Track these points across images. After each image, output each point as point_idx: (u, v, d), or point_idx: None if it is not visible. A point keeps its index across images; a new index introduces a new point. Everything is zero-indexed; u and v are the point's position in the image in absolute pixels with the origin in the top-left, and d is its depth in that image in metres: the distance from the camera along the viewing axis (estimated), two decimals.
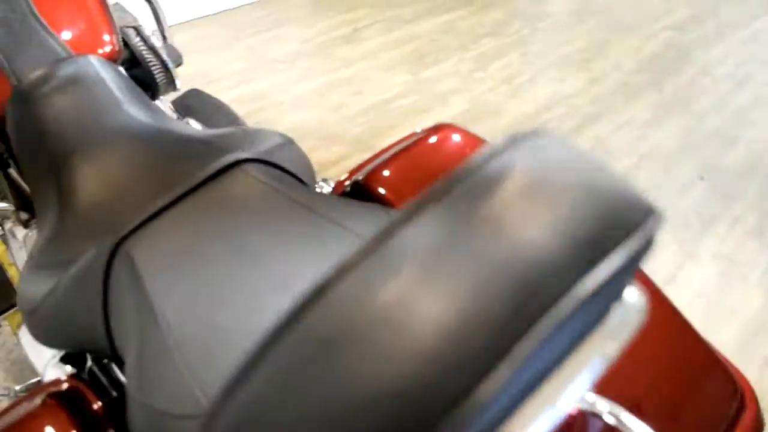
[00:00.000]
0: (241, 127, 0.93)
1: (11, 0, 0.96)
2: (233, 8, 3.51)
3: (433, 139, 0.88)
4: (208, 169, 0.72)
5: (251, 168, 0.74)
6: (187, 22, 3.37)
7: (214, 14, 3.47)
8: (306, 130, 2.45)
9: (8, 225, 1.23)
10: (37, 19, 0.97)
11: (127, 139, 0.86)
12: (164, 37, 1.56)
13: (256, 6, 3.56)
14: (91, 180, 0.82)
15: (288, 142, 0.86)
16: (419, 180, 0.81)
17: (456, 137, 0.88)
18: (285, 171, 0.77)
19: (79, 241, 0.73)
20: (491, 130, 2.44)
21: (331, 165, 2.23)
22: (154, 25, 1.52)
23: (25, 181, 1.07)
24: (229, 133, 0.86)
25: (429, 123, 2.37)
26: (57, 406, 0.60)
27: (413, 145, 0.88)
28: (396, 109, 2.57)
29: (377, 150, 0.89)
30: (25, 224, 1.19)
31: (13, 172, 1.17)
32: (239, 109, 2.42)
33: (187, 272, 0.62)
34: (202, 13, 3.41)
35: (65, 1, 1.09)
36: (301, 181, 0.78)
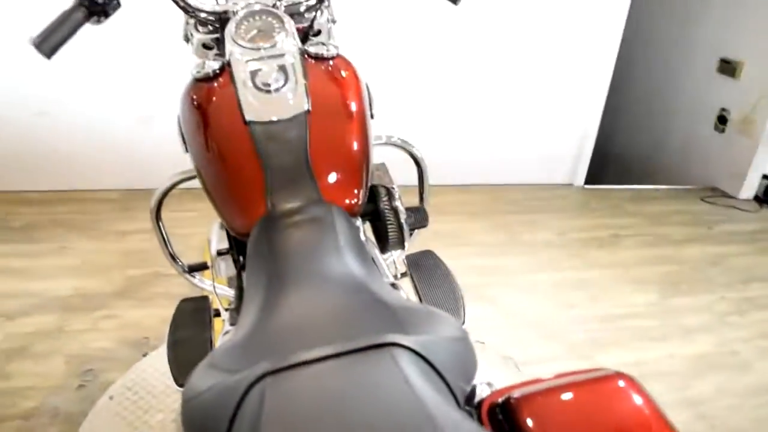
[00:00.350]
0: (428, 308, 0.96)
1: (290, 136, 1.14)
2: (503, 185, 3.69)
3: (604, 386, 0.82)
4: (360, 341, 0.75)
5: (399, 354, 0.75)
6: (462, 186, 3.60)
7: (488, 185, 3.67)
8: (526, 318, 2.41)
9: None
10: (306, 160, 1.14)
11: (326, 284, 0.94)
12: (421, 199, 1.71)
13: (525, 189, 3.69)
14: (279, 308, 0.91)
15: (460, 338, 0.87)
16: (569, 426, 0.75)
17: (629, 394, 0.80)
18: (432, 367, 0.77)
19: (244, 358, 0.81)
20: (727, 387, 2.15)
21: (537, 362, 2.15)
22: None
23: (244, 291, 1.22)
24: (409, 308, 0.89)
25: (661, 353, 2.19)
26: None
27: (581, 385, 0.82)
28: (629, 327, 2.41)
29: (592, 362, 0.84)
30: (232, 323, 1.34)
31: (243, 279, 1.34)
32: (470, 276, 2.49)
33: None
34: (475, 181, 3.63)
35: (335, 150, 1.25)
36: (444, 381, 0.78)
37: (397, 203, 1.53)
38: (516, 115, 3.50)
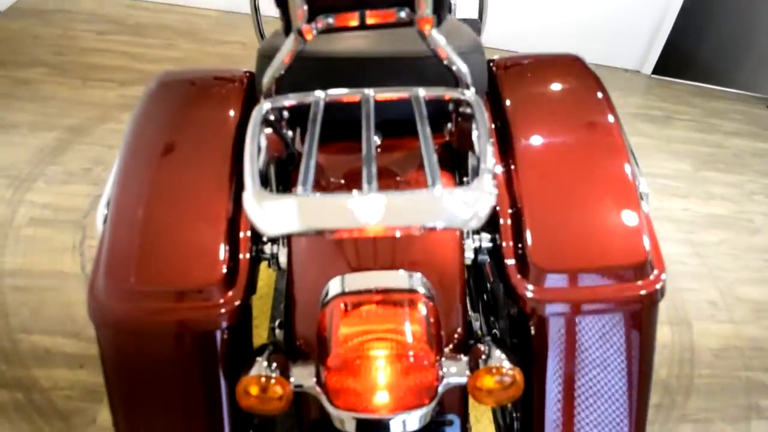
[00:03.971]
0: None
1: None
2: None
3: (559, 61, 1.07)
4: None
5: None
6: None
7: None
8: None
9: None
10: None
11: None
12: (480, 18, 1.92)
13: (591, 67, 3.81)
14: None
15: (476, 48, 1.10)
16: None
17: (579, 69, 1.05)
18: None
19: None
20: (730, 240, 2.38)
21: None
22: None
23: None
24: None
25: (678, 206, 2.39)
26: None
27: (540, 59, 1.07)
28: (653, 183, 2.64)
29: None
30: None
31: None
32: None
33: None
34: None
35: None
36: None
37: None
38: None
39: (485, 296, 1.22)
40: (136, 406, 0.82)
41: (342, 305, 0.73)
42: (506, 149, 0.92)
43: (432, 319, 0.73)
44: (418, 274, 0.76)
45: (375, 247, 0.81)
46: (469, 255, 0.88)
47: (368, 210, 0.56)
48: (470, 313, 1.14)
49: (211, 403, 0.81)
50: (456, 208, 0.57)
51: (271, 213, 0.57)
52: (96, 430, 1.49)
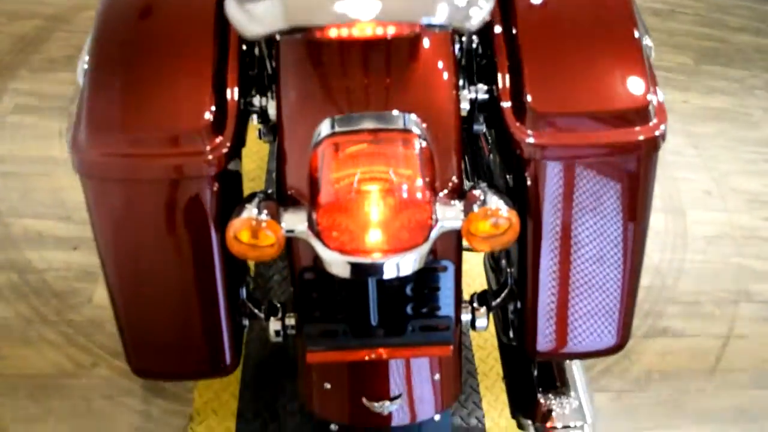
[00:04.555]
0: None
1: None
2: None
3: None
4: None
5: None
6: None
7: None
8: None
9: None
10: None
11: None
12: None
13: None
14: None
15: None
16: None
17: None
18: None
19: None
20: (727, 133, 2.37)
21: None
22: None
23: None
24: None
25: (676, 98, 2.34)
26: None
27: None
28: None
29: None
30: None
31: None
32: None
33: None
34: None
35: None
36: None
37: None
38: None
39: (480, 172, 1.20)
40: (126, 258, 0.81)
41: (333, 145, 0.70)
42: (506, 3, 0.87)
43: (426, 159, 0.70)
44: (413, 115, 0.74)
45: (368, 90, 0.77)
46: (465, 106, 0.85)
47: (360, 4, 0.52)
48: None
49: (203, 254, 0.80)
50: (456, 3, 0.53)
51: (254, 12, 0.53)
52: (92, 308, 1.50)
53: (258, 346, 1.36)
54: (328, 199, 0.68)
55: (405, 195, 0.67)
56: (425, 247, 0.71)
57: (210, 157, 0.75)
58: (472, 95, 0.85)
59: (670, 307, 1.71)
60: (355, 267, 0.71)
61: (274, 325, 0.88)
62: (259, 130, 1.19)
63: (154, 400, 1.37)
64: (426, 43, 0.77)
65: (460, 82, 0.86)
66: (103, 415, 1.34)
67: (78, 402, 1.36)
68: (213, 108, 0.76)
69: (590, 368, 1.52)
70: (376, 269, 0.71)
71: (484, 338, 1.49)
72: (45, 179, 1.77)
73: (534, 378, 0.97)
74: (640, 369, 1.56)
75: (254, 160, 1.75)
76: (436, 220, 0.71)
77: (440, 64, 0.79)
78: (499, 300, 0.88)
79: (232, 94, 0.81)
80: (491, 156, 1.11)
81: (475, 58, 0.92)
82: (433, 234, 0.71)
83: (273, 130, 1.19)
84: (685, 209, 2.00)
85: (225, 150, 0.76)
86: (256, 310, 0.90)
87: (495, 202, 0.71)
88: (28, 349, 1.43)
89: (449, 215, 0.73)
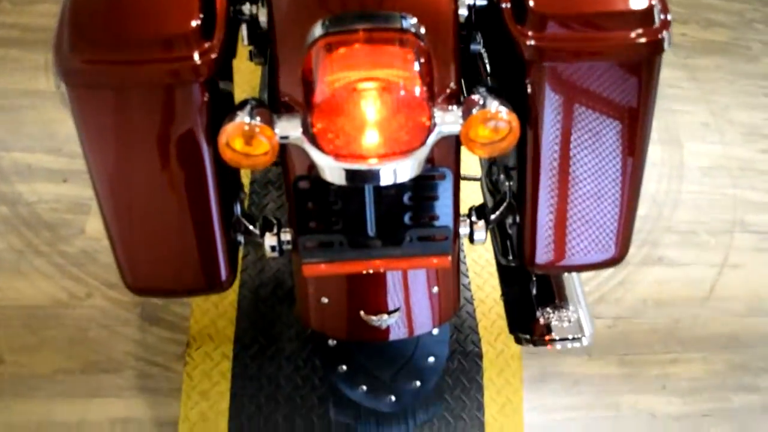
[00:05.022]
0: None
1: None
2: None
3: None
4: None
5: None
6: None
7: None
8: None
9: None
10: None
11: None
12: None
13: None
14: None
15: None
16: None
17: None
18: None
19: None
20: (725, 67, 2.33)
21: None
22: None
23: None
24: None
25: (675, 31, 2.29)
26: None
27: None
28: None
29: None
30: None
31: None
32: None
33: None
34: None
35: None
36: None
37: None
38: None
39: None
40: (115, 172, 0.79)
41: (327, 46, 0.68)
42: None
43: (423, 60, 0.68)
44: (409, 16, 0.71)
45: None
46: (463, 12, 0.82)
47: None
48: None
49: (194, 166, 0.78)
50: None
51: None
52: (85, 239, 1.49)
53: (254, 273, 1.35)
54: (323, 99, 0.66)
55: (403, 95, 0.65)
56: (423, 151, 0.69)
57: (198, 62, 0.72)
58: (471, 0, 0.82)
59: (666, 236, 1.71)
60: (350, 173, 0.70)
61: (269, 240, 0.86)
62: (250, 52, 1.15)
63: (150, 328, 1.37)
64: None
65: None
66: (100, 344, 1.35)
67: (74, 332, 1.36)
68: (201, 14, 0.73)
69: (586, 296, 1.53)
70: (372, 174, 0.69)
71: (480, 265, 1.49)
72: (33, 112, 1.72)
73: (533, 294, 0.97)
74: (635, 297, 1.57)
75: (246, 90, 1.71)
76: (435, 124, 0.69)
77: None
78: (497, 214, 0.86)
79: (221, 3, 0.78)
80: (488, 79, 1.08)
81: None
82: (431, 138, 0.69)
83: (264, 51, 1.15)
84: (683, 141, 1.98)
85: (214, 56, 0.73)
86: (251, 227, 0.89)
87: (495, 106, 0.69)
88: (21, 281, 1.42)
89: (448, 119, 0.70)
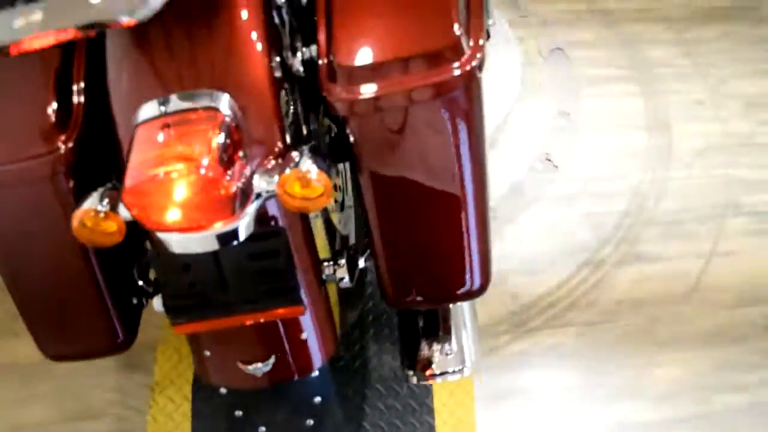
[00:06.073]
0: None
1: None
2: None
3: None
4: None
5: None
6: None
7: None
8: None
9: None
10: None
11: None
12: None
13: None
14: None
15: None
16: None
17: None
18: None
19: None
20: (730, 33, 2.17)
21: None
22: None
23: None
24: None
25: None
26: None
27: None
28: None
29: None
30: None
31: None
32: None
33: None
34: None
35: None
36: None
37: None
38: None
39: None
40: (9, 252, 0.86)
41: (140, 133, 0.72)
42: None
43: (231, 134, 0.70)
44: (217, 92, 0.73)
45: (178, 72, 0.77)
46: (299, 68, 0.84)
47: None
48: None
49: (72, 245, 0.82)
50: None
51: None
52: None
53: None
54: (131, 183, 0.69)
55: (195, 177, 0.68)
56: (241, 220, 0.72)
57: (52, 157, 0.78)
58: (300, 58, 0.84)
59: (648, 230, 1.64)
60: (178, 243, 0.73)
61: (157, 302, 0.91)
62: None
63: (129, 374, 1.45)
64: (231, 17, 0.76)
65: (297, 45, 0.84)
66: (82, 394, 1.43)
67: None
68: (55, 106, 0.79)
69: (554, 304, 1.49)
70: (197, 242, 0.73)
71: None
72: None
73: (419, 328, 0.97)
74: (609, 299, 1.51)
75: None
76: (252, 191, 0.72)
77: (253, 35, 0.77)
78: (347, 255, 0.88)
79: (78, 90, 0.83)
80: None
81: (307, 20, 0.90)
82: (254, 204, 0.72)
83: None
84: (671, 123, 1.88)
85: (71, 145, 0.78)
86: (147, 288, 0.94)
87: (307, 165, 0.71)
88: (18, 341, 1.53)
89: (262, 183, 0.73)
